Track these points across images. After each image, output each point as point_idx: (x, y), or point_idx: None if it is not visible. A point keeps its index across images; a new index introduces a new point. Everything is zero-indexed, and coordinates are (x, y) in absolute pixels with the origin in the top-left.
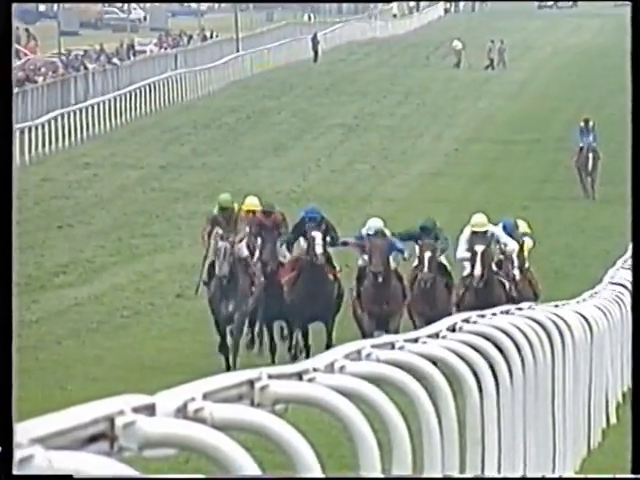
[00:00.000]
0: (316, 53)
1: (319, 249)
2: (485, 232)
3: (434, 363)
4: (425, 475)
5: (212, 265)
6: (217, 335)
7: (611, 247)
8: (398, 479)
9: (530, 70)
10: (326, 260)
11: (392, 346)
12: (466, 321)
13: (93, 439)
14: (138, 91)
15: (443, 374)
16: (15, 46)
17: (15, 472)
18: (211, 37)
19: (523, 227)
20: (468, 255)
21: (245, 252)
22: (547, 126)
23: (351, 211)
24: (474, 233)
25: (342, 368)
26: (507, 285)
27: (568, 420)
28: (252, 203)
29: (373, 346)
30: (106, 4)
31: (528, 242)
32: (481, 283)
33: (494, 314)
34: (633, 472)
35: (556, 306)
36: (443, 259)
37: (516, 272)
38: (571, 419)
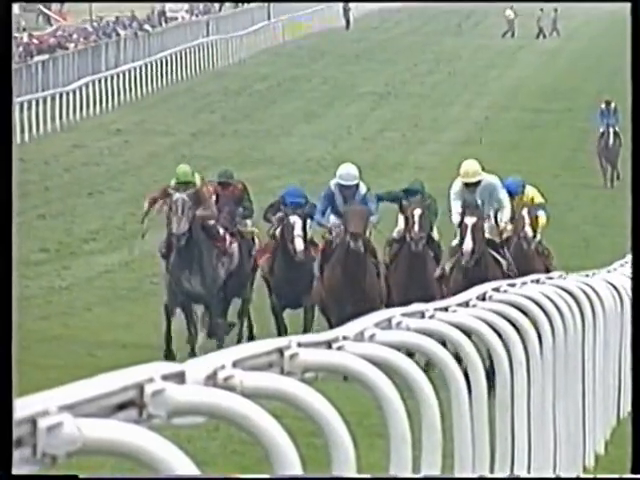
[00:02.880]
0: (348, 21)
1: (299, 245)
2: (478, 183)
3: (464, 332)
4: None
5: (170, 234)
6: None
7: None
8: (399, 479)
9: (562, 39)
10: (308, 240)
11: (422, 315)
12: (496, 290)
13: (122, 407)
14: (169, 58)
15: (473, 343)
16: (46, 12)
17: (14, 471)
18: (243, 3)
19: (533, 194)
20: (457, 220)
21: (211, 222)
22: (578, 95)
23: (381, 179)
24: (465, 186)
25: (372, 336)
26: (504, 264)
27: (598, 390)
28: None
29: (403, 314)
30: None
31: (542, 216)
32: (472, 261)
33: (524, 283)
34: (633, 472)
35: (586, 275)
36: (434, 232)
37: (527, 230)
38: (601, 389)
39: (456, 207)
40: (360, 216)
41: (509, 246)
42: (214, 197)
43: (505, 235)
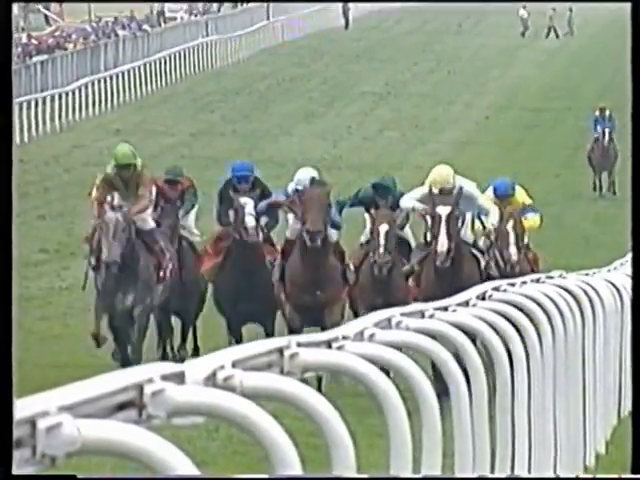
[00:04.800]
0: (347, 20)
1: (250, 221)
2: (451, 191)
3: (464, 331)
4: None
5: (100, 244)
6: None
7: None
8: (399, 479)
9: (561, 38)
10: (263, 238)
11: (422, 314)
12: (496, 289)
13: (122, 407)
14: (168, 58)
15: (473, 343)
16: (44, 12)
17: (15, 472)
18: (241, 3)
19: (522, 196)
20: (413, 205)
21: (150, 224)
22: (578, 94)
23: None
24: (435, 194)
25: (372, 336)
26: (482, 261)
27: (598, 389)
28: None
29: (403, 314)
30: None
31: (533, 219)
32: (447, 261)
33: (524, 282)
34: (633, 472)
35: (587, 274)
36: (407, 231)
37: (512, 251)
38: (601, 388)
39: (410, 197)
40: (318, 206)
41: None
42: (154, 193)
43: (486, 231)
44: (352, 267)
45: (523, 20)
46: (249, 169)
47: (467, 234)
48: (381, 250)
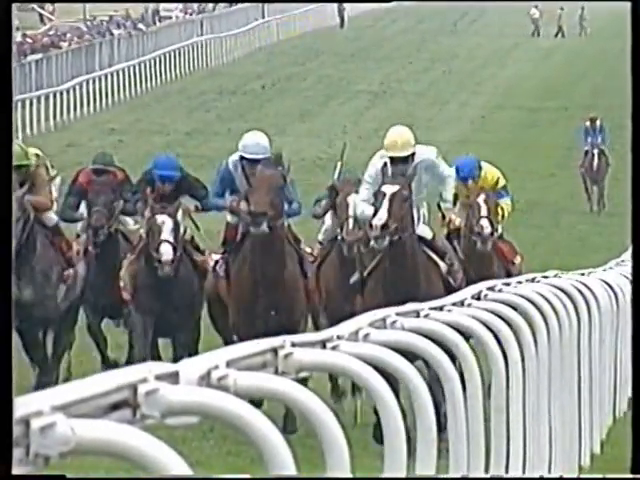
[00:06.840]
0: (342, 19)
1: (167, 252)
2: (408, 158)
3: (459, 331)
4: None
5: None
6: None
7: None
8: (397, 479)
9: (557, 37)
10: (186, 243)
11: (417, 314)
12: (491, 289)
13: (116, 407)
14: (163, 57)
15: (468, 343)
16: (38, 11)
17: (14, 472)
18: (236, 3)
19: (492, 175)
20: (362, 209)
21: (53, 219)
22: (574, 93)
23: None
24: (391, 162)
25: (366, 336)
26: (443, 266)
27: (594, 389)
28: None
29: (398, 314)
30: None
31: (505, 203)
32: (383, 240)
33: (519, 282)
34: (633, 472)
35: (582, 274)
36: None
37: (484, 223)
38: (597, 388)
39: (364, 194)
40: (267, 187)
41: (458, 242)
42: (76, 192)
43: (452, 226)
44: (311, 258)
45: (534, 20)
46: (174, 167)
47: (425, 231)
48: (350, 224)
